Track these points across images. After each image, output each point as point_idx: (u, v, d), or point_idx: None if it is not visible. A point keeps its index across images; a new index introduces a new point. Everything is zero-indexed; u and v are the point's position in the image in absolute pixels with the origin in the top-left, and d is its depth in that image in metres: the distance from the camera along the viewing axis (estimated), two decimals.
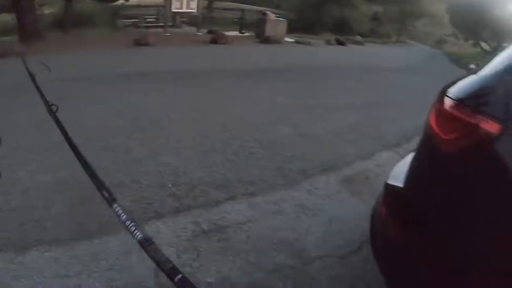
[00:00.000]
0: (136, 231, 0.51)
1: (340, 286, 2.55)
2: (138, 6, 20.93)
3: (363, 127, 5.88)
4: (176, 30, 19.80)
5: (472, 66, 2.67)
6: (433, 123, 1.70)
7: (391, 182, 2.13)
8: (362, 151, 4.87)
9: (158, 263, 0.58)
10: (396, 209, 1.99)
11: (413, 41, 36.61)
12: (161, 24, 19.26)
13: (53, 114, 1.07)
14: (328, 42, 20.39)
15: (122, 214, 0.52)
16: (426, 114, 1.79)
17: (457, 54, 26.03)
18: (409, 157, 2.07)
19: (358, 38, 23.95)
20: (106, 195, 0.58)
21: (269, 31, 17.52)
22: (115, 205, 0.54)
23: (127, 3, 20.70)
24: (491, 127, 1.45)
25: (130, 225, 0.51)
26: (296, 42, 18.73)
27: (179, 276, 0.56)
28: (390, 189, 2.10)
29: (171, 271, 0.56)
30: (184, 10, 17.96)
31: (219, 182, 3.76)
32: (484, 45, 27.48)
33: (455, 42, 39.14)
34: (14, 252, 2.65)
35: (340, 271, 2.66)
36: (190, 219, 3.13)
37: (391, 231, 1.93)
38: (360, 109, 6.90)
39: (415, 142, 5.98)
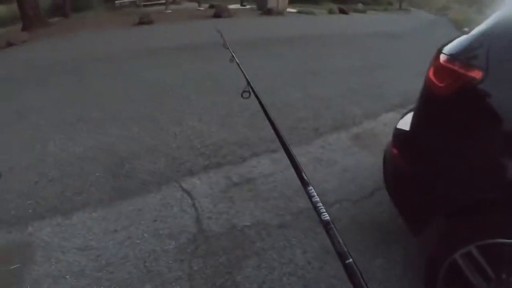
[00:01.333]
0: (325, 213, 0.64)
1: (356, 224, 2.86)
2: None
3: (367, 89, 6.15)
4: (177, 6, 19.78)
5: (466, 29, 2.97)
6: (431, 75, 2.06)
7: (399, 126, 2.48)
8: (369, 111, 5.15)
9: (334, 245, 0.61)
10: (404, 148, 2.34)
11: (415, 8, 36.11)
12: (161, 1, 19.23)
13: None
14: (331, 11, 20.29)
15: (315, 196, 0.66)
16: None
17: (460, 21, 25.71)
18: None
19: (360, 6, 23.74)
20: (305, 177, 0.75)
21: (271, 2, 17.47)
22: (309, 187, 0.70)
23: None
24: (475, 74, 1.78)
25: (320, 207, 0.65)
26: (299, 12, 18.67)
27: (350, 260, 0.61)
28: (398, 132, 2.46)
29: (343, 254, 0.60)
30: None
31: (243, 141, 4.10)
32: (487, 10, 27.16)
33: (459, 9, 38.46)
34: (61, 216, 2.95)
35: (355, 213, 2.99)
36: (221, 174, 3.47)
37: (400, 165, 2.29)
38: (364, 72, 7.14)
39: None
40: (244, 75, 1.82)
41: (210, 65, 7.38)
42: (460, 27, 21.21)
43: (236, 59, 2.47)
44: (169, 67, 7.35)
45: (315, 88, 6.03)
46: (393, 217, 2.86)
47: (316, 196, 0.63)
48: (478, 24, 1.98)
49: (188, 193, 3.18)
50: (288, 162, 3.60)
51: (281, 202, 3.05)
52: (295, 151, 3.81)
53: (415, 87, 2.19)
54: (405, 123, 2.39)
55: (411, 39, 13.03)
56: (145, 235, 2.73)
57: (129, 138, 4.22)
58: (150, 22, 13.77)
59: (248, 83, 1.23)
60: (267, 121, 4.65)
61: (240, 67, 2.24)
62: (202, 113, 4.88)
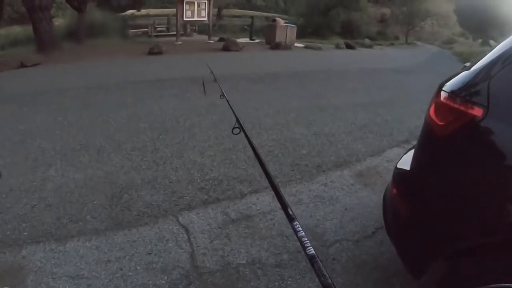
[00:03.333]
0: (310, 247, 0.65)
1: (356, 265, 2.79)
2: (147, 15, 21.40)
3: (372, 126, 6.14)
4: (187, 38, 20.17)
5: (467, 64, 2.97)
6: (431, 113, 2.03)
7: (400, 166, 2.44)
8: (373, 148, 5.13)
9: (319, 278, 0.63)
10: (404, 188, 2.30)
11: (421, 42, 36.62)
12: (172, 33, 19.63)
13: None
14: (337, 46, 20.62)
15: (300, 231, 0.67)
16: None
17: (465, 54, 26.07)
18: None
19: (367, 41, 24.12)
20: (291, 213, 0.75)
21: (279, 37, 17.80)
22: (294, 223, 0.71)
23: (137, 13, 21.14)
24: (476, 111, 1.76)
25: (305, 241, 0.67)
26: (306, 47, 18.98)
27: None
28: (398, 172, 2.42)
29: (328, 287, 0.62)
30: (194, 18, 18.32)
31: (243, 177, 4.07)
32: (493, 43, 27.51)
33: (464, 42, 39.08)
34: (55, 242, 2.94)
35: (356, 253, 2.93)
36: (219, 209, 3.43)
37: (400, 206, 2.24)
38: (369, 109, 7.15)
39: None
40: (233, 111, 1.81)
41: (216, 98, 7.40)
42: (465, 60, 21.44)
43: (226, 96, 2.47)
44: (175, 99, 7.42)
45: (320, 124, 6.03)
46: (394, 258, 2.78)
47: (302, 231, 0.63)
48: (482, 57, 1.97)
49: (185, 228, 3.14)
50: (289, 199, 3.57)
51: (279, 241, 3.00)
52: (296, 188, 3.81)
53: (421, 123, 2.17)
54: (406, 162, 2.36)
55: (416, 73, 13.16)
56: (138, 267, 2.68)
57: (131, 168, 4.20)
58: (160, 53, 14.03)
59: (237, 120, 1.23)
60: (269, 157, 4.65)
61: (228, 103, 2.24)
62: (205, 147, 4.87)
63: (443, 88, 2.02)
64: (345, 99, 7.89)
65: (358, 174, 4.38)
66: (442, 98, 1.98)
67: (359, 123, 6.22)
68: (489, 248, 1.75)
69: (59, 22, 17.40)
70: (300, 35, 21.82)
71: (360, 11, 31.07)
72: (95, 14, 18.50)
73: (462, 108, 1.84)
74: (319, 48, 18.82)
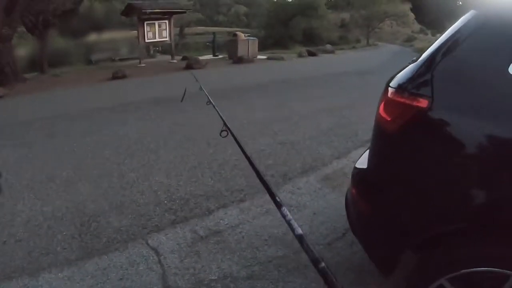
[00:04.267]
0: (296, 227, 0.67)
1: (329, 268, 2.84)
2: (111, 40, 21.25)
3: (337, 129, 6.26)
4: (151, 60, 20.15)
5: (415, 58, 3.07)
6: (381, 111, 2.08)
7: (358, 166, 2.51)
8: (338, 151, 5.23)
9: (309, 256, 0.63)
10: (362, 187, 2.36)
11: (382, 42, 37.47)
12: (135, 56, 19.57)
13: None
14: (300, 55, 20.89)
15: (288, 215, 0.70)
16: None
17: (426, 49, 26.58)
18: None
19: (328, 46, 24.53)
20: (278, 199, 0.78)
21: (241, 51, 17.93)
22: (282, 208, 0.74)
23: (100, 38, 20.98)
24: (422, 103, 1.82)
25: (292, 222, 0.68)
26: (269, 58, 19.17)
27: (322, 264, 0.62)
28: (356, 172, 2.48)
29: (316, 260, 0.63)
30: (157, 39, 18.32)
31: (210, 193, 4.08)
32: None
33: (424, 38, 40.13)
34: (28, 277, 2.89)
35: (328, 256, 2.95)
36: (187, 228, 3.43)
37: (360, 205, 2.30)
38: (333, 113, 7.29)
39: None
40: (220, 116, 1.82)
41: (180, 117, 7.47)
42: None
43: (212, 101, 2.48)
44: (139, 122, 7.38)
45: (285, 133, 6.10)
46: (367, 256, 2.85)
47: (289, 215, 0.67)
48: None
49: (154, 250, 3.13)
50: (257, 211, 3.59)
51: (249, 253, 3.01)
52: (262, 199, 3.81)
53: None
54: (364, 161, 2.41)
55: (379, 74, 13.31)
56: None
57: (98, 195, 4.16)
58: (123, 77, 13.96)
59: (225, 123, 1.26)
60: (235, 171, 4.67)
61: (216, 109, 2.25)
62: (170, 167, 4.86)
63: (390, 84, 2.08)
64: (310, 106, 7.99)
65: (325, 178, 4.44)
66: (389, 94, 2.03)
67: (323, 128, 6.32)
68: (453, 236, 1.81)
69: (21, 52, 17.11)
70: (263, 47, 22.08)
71: (320, 18, 31.67)
72: (57, 41, 18.30)
73: (407, 101, 1.89)
74: (282, 58, 19.05)
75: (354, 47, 29.75)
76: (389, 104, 2.03)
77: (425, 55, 2.01)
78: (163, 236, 3.32)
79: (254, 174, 4.41)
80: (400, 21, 42.10)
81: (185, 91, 2.33)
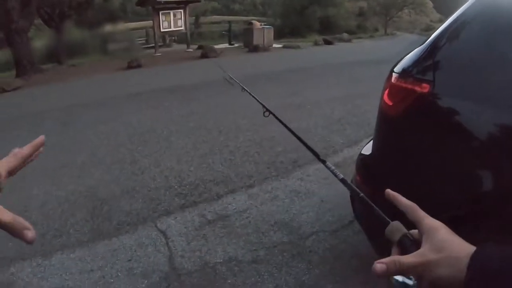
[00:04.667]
0: (339, 173, 0.74)
1: (334, 255, 2.86)
2: (126, 30, 21.38)
3: (349, 118, 6.23)
4: (167, 49, 20.21)
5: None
6: (385, 96, 2.09)
7: (363, 152, 2.52)
8: (349, 139, 5.22)
9: (353, 193, 0.73)
10: (365, 173, 2.37)
11: (400, 32, 36.89)
12: (151, 45, 19.65)
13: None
14: (316, 43, 20.72)
15: (331, 166, 0.75)
16: None
17: None
18: None
19: (345, 35, 24.23)
20: (321, 157, 0.83)
21: (256, 39, 17.84)
22: (327, 163, 0.79)
23: (116, 28, 21.13)
24: (423, 88, 1.82)
25: (335, 170, 0.74)
26: (284, 47, 19.06)
27: (360, 195, 0.71)
28: (360, 158, 2.49)
29: (361, 199, 0.69)
30: (172, 29, 18.35)
31: (220, 179, 4.13)
32: None
33: None
34: (41, 257, 3.02)
35: (333, 243, 2.99)
36: (196, 212, 3.50)
37: (363, 191, 2.30)
38: (347, 102, 7.25)
39: None
40: (256, 99, 1.80)
41: (193, 105, 7.54)
42: None
43: (247, 89, 2.46)
44: (153, 110, 7.47)
45: (298, 121, 6.09)
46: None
47: (332, 167, 0.73)
48: None
49: (163, 233, 3.21)
50: (265, 196, 3.62)
51: (255, 237, 3.06)
52: (272, 185, 3.85)
53: None
54: (369, 148, 2.42)
55: (394, 63, 13.23)
56: (119, 274, 2.75)
57: (110, 181, 4.26)
58: (139, 66, 14.06)
59: (264, 106, 1.25)
60: (245, 157, 4.71)
61: (251, 94, 2.23)
62: (182, 154, 4.93)
63: (394, 70, 2.08)
64: (323, 95, 7.96)
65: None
66: (393, 80, 2.04)
67: (336, 116, 6.30)
68: (457, 221, 1.81)
69: (38, 43, 17.37)
70: (279, 36, 21.94)
71: (336, 6, 31.27)
72: (73, 32, 18.47)
73: (410, 86, 1.90)
74: (298, 47, 18.92)
75: (371, 36, 29.32)
76: (393, 89, 2.04)
77: (429, 40, 2.00)
78: (172, 220, 3.40)
79: (265, 161, 4.46)
80: (418, 10, 41.42)
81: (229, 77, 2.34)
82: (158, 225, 3.33)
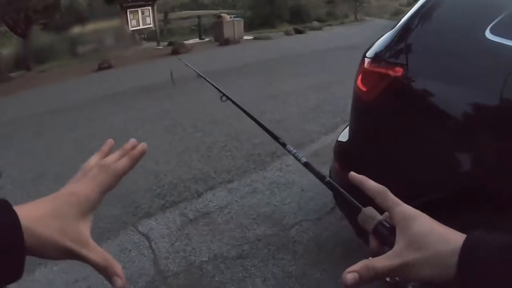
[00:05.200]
0: (302, 157, 0.70)
1: (319, 243, 2.87)
2: (95, 31, 20.97)
3: (324, 105, 6.26)
4: (137, 47, 19.90)
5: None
6: (358, 82, 2.08)
7: (340, 138, 2.52)
8: (326, 127, 5.24)
9: (318, 177, 0.68)
10: (343, 160, 2.37)
11: (370, 17, 37.17)
12: (120, 44, 19.32)
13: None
14: (287, 33, 20.66)
15: (292, 149, 0.73)
16: None
17: None
18: None
19: (316, 23, 24.29)
20: (281, 141, 0.81)
21: (227, 32, 17.72)
22: (287, 146, 0.77)
23: (84, 29, 20.71)
24: (396, 71, 1.82)
25: (297, 154, 0.71)
26: (255, 38, 18.96)
27: (326, 179, 0.65)
28: (338, 145, 2.50)
29: (327, 183, 0.64)
30: (141, 26, 18.10)
31: (198, 176, 4.10)
32: None
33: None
34: (25, 272, 2.93)
35: (317, 232, 3.00)
36: (177, 212, 3.46)
37: (342, 178, 2.30)
38: (321, 89, 7.27)
39: None
40: (214, 85, 1.76)
41: (166, 103, 7.45)
42: None
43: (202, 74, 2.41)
44: (127, 111, 7.35)
45: (273, 112, 6.09)
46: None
47: (293, 149, 0.69)
48: None
49: (145, 236, 3.16)
50: (245, 190, 3.60)
51: (238, 233, 3.05)
52: (251, 178, 3.82)
53: None
54: (345, 135, 2.42)
55: (365, 49, 13.32)
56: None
57: None
58: (109, 67, 13.81)
59: (219, 90, 1.22)
60: (223, 152, 4.66)
61: (207, 80, 2.19)
62: (158, 154, 4.85)
63: (366, 55, 2.07)
64: (297, 84, 7.95)
65: (314, 154, 4.46)
66: (366, 65, 2.03)
67: (311, 105, 6.31)
68: (437, 204, 1.76)
69: (5, 51, 16.89)
70: (250, 28, 21.81)
71: None
72: (41, 37, 18.01)
73: (383, 70, 1.89)
74: (268, 38, 18.85)
75: (342, 23, 29.40)
76: (366, 74, 2.03)
77: (400, 23, 2.00)
78: (153, 222, 3.35)
79: (242, 154, 4.43)
80: None
81: (171, 73, 2.31)
82: (140, 228, 3.28)
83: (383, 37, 2.06)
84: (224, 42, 17.11)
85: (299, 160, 0.68)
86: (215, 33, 18.71)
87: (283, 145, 0.76)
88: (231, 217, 3.27)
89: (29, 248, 0.45)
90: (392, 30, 2.02)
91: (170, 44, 17.72)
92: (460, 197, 1.74)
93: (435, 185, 1.79)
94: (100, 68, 13.70)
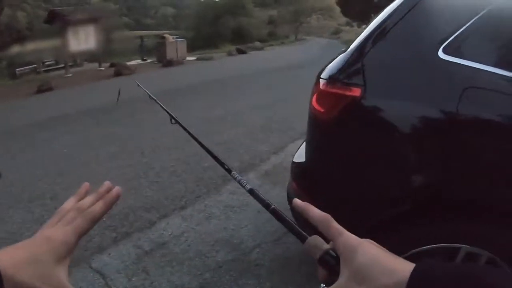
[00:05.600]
0: (246, 184, 0.67)
1: (282, 264, 2.85)
2: (35, 51, 20.17)
3: (272, 124, 6.35)
4: (78, 69, 19.36)
5: (343, 49, 3.17)
6: (314, 103, 2.10)
7: (296, 160, 2.52)
8: (275, 146, 5.28)
9: (263, 205, 0.65)
10: (301, 180, 2.37)
11: (310, 37, 38.39)
12: (62, 65, 18.75)
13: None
14: (230, 53, 20.90)
15: (237, 176, 0.70)
16: None
17: (352, 41, 27.56)
18: None
19: (258, 43, 24.74)
20: (226, 167, 0.77)
21: (169, 53, 17.64)
22: (233, 172, 0.74)
23: (24, 49, 19.90)
24: (354, 92, 1.85)
25: (242, 181, 0.68)
26: (198, 59, 19.01)
27: (272, 207, 0.64)
28: (295, 165, 2.51)
29: (272, 211, 0.63)
30: (82, 47, 17.62)
31: (149, 204, 3.93)
32: None
33: (350, 30, 41.72)
34: None
35: (278, 252, 2.99)
36: (130, 244, 3.27)
37: (301, 199, 2.30)
38: (267, 109, 7.36)
39: None
40: (163, 107, 1.68)
41: (110, 127, 7.22)
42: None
43: (153, 96, 2.31)
44: (69, 136, 7.01)
45: (221, 133, 6.06)
46: None
47: (238, 176, 0.66)
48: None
49: (99, 272, 2.95)
50: (200, 216, 3.50)
51: (198, 261, 2.94)
52: (204, 203, 3.72)
53: None
54: (301, 155, 2.45)
55: (309, 67, 13.56)
56: None
57: (32, 222, 3.88)
58: (49, 89, 13.25)
59: (169, 114, 1.18)
60: (173, 177, 4.55)
61: (158, 103, 2.11)
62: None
63: (321, 76, 2.10)
64: (243, 104, 8.00)
65: (265, 174, 4.47)
66: (321, 85, 2.05)
67: (258, 125, 6.35)
68: (399, 219, 1.85)
69: None
70: (193, 48, 21.86)
71: (248, 16, 31.83)
72: None
73: (340, 91, 1.92)
74: (211, 58, 18.96)
75: (283, 43, 30.19)
76: (322, 95, 2.06)
77: (354, 44, 2.05)
78: (106, 257, 3.13)
79: (192, 178, 4.33)
80: (327, 15, 43.44)
81: (119, 92, 2.24)
82: (93, 265, 3.05)
83: (337, 58, 2.11)
84: (167, 63, 16.98)
85: (243, 187, 0.67)
86: (158, 54, 18.57)
87: (229, 171, 0.75)
88: (188, 245, 3.16)
89: None
90: (347, 51, 2.06)
91: (112, 65, 17.35)
92: (418, 210, 1.80)
93: (394, 200, 1.85)
94: (40, 91, 13.08)
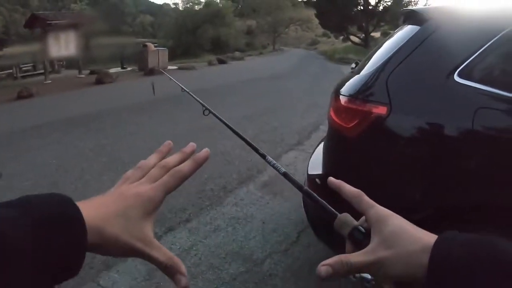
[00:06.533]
0: (279, 167, 0.69)
1: (294, 273, 2.87)
2: (12, 56, 19.72)
3: (262, 135, 6.41)
4: (57, 75, 18.99)
5: (353, 65, 3.27)
6: (334, 117, 2.19)
7: (311, 172, 2.56)
8: (270, 157, 5.26)
9: (296, 187, 0.65)
10: (322, 191, 2.39)
11: (288, 47, 38.85)
12: (40, 71, 18.37)
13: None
14: (210, 63, 20.95)
15: (272, 160, 0.71)
16: (316, 113, 2.25)
17: (329, 51, 28.17)
18: (320, 149, 2.57)
19: (237, 53, 24.92)
20: (261, 152, 0.78)
21: (151, 62, 17.52)
22: (267, 157, 0.75)
23: (2, 54, 19.44)
24: (380, 110, 1.95)
25: (276, 165, 0.70)
26: (180, 68, 18.97)
27: (304, 188, 0.66)
28: (312, 178, 2.54)
29: (306, 192, 0.64)
30: (61, 53, 17.32)
31: None
32: (353, 38, 30.04)
33: (327, 41, 42.44)
34: None
35: (289, 262, 3.01)
36: (139, 260, 3.14)
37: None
38: (254, 120, 7.41)
39: (315, 137, 6.49)
40: (196, 99, 1.66)
41: (101, 137, 7.08)
42: (329, 58, 23.14)
43: (186, 89, 2.28)
44: (56, 146, 6.80)
45: (212, 144, 5.98)
46: (326, 253, 2.87)
47: (273, 160, 0.68)
48: (345, 53, 2.16)
49: None
50: (206, 229, 3.48)
51: (211, 274, 2.92)
52: (209, 215, 3.71)
53: (307, 123, 2.27)
54: (316, 166, 2.52)
55: (289, 78, 13.91)
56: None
57: None
58: (30, 96, 12.81)
59: (203, 104, 1.17)
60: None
61: (191, 95, 2.07)
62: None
63: (341, 93, 2.19)
64: (229, 114, 7.92)
65: (264, 185, 4.48)
66: (342, 102, 2.14)
67: (249, 135, 6.30)
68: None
69: None
70: (172, 57, 21.77)
71: (227, 26, 31.95)
72: None
73: (366, 108, 2.01)
74: (193, 68, 18.96)
75: (261, 53, 30.46)
76: (344, 111, 2.14)
77: (375, 63, 2.17)
78: (115, 274, 3.02)
79: (193, 191, 4.29)
80: (304, 26, 44.07)
81: (153, 85, 2.20)
82: (102, 282, 2.93)
83: (358, 76, 2.22)
84: (149, 72, 16.80)
85: (278, 170, 0.70)
86: (139, 62, 18.40)
87: (263, 156, 0.78)
88: (199, 258, 3.12)
89: (92, 245, 0.44)
90: (368, 69, 2.17)
91: (92, 72, 17.10)
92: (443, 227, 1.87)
93: (418, 217, 1.92)
94: (20, 97, 12.64)
